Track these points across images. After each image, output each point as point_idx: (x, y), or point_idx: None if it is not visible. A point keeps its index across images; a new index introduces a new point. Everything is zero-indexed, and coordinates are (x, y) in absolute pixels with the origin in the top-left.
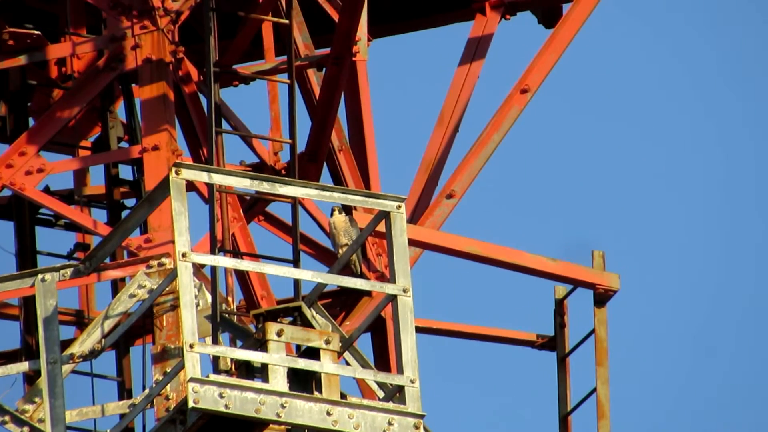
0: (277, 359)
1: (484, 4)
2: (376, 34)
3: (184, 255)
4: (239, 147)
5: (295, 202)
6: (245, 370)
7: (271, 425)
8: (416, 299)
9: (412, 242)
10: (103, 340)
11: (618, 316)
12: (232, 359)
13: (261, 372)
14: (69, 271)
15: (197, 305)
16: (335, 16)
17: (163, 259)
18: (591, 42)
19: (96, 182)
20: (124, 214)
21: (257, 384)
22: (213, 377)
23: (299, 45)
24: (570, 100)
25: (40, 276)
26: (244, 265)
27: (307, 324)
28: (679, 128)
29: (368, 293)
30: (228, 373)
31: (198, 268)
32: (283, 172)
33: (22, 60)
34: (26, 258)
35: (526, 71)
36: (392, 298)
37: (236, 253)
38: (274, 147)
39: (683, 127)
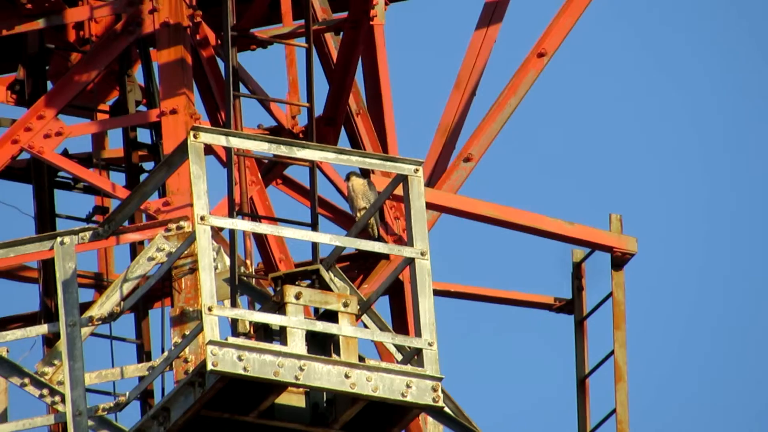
0: (296, 322)
1: None
2: None
3: (202, 218)
4: (257, 111)
5: (313, 166)
6: (263, 332)
7: (289, 388)
8: (434, 262)
9: (430, 206)
10: (122, 302)
11: (635, 279)
12: (250, 322)
13: (279, 335)
14: (88, 234)
15: (216, 268)
16: None
17: (182, 223)
18: (608, 5)
19: (114, 146)
20: (143, 177)
21: (276, 347)
22: (231, 340)
23: (317, 9)
24: (587, 63)
25: (59, 239)
26: (263, 228)
27: (325, 287)
28: (699, 91)
29: (386, 256)
30: (246, 335)
31: (216, 232)
32: (300, 135)
33: (40, 24)
34: (45, 221)
35: (543, 35)
36: (410, 262)
37: (254, 217)
38: (292, 111)
39: (704, 90)
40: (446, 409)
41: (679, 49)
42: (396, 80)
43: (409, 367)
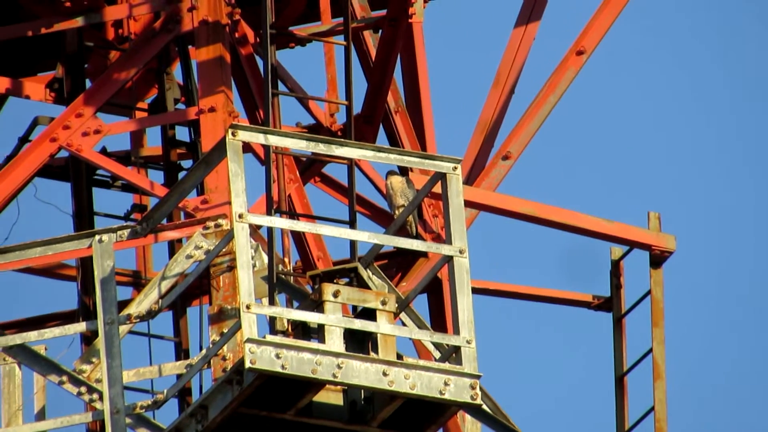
0: (334, 320)
1: None
2: None
3: (240, 216)
4: (295, 109)
5: (352, 164)
6: (302, 330)
7: (327, 386)
8: (472, 260)
9: (468, 203)
10: (160, 300)
11: (674, 277)
12: (288, 320)
13: (317, 333)
14: (126, 232)
15: (254, 266)
16: None
17: (220, 220)
18: (648, 2)
19: (153, 144)
20: (181, 175)
21: (314, 345)
22: (270, 338)
23: (355, 7)
24: (626, 60)
25: (97, 237)
26: (301, 226)
27: (363, 285)
28: (740, 88)
29: (424, 254)
30: (284, 333)
31: (254, 229)
32: (339, 133)
33: (79, 22)
34: (83, 219)
35: (582, 32)
36: (448, 259)
37: (292, 215)
38: (331, 108)
39: (745, 87)
40: (484, 407)
41: (719, 46)
42: (435, 78)
43: (447, 365)
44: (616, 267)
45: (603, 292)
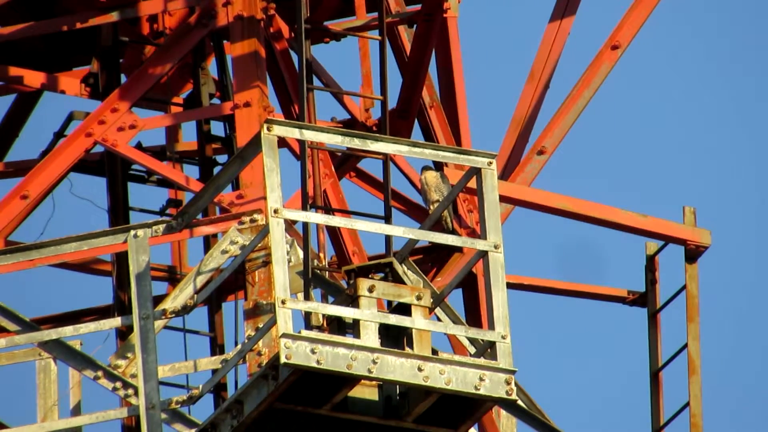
0: (369, 315)
1: None
2: None
3: (275, 211)
4: (330, 103)
5: (387, 159)
6: (337, 326)
7: (362, 381)
8: (507, 255)
9: (503, 198)
10: (195, 295)
11: (709, 272)
12: (323, 315)
13: (352, 328)
14: (161, 227)
15: (289, 261)
16: None
17: (255, 215)
18: None
19: (188, 138)
20: (216, 170)
21: (349, 340)
22: (305, 333)
23: (390, 1)
24: (661, 55)
25: (132, 232)
26: (336, 221)
27: (398, 280)
28: None
29: (459, 249)
30: (320, 329)
31: (290, 224)
32: (374, 128)
33: (114, 16)
34: (118, 214)
35: (617, 27)
36: (483, 254)
37: (328, 210)
38: (366, 103)
39: None
40: (519, 402)
41: (753, 40)
42: (469, 73)
43: (482, 360)
44: (650, 262)
45: (638, 287)
